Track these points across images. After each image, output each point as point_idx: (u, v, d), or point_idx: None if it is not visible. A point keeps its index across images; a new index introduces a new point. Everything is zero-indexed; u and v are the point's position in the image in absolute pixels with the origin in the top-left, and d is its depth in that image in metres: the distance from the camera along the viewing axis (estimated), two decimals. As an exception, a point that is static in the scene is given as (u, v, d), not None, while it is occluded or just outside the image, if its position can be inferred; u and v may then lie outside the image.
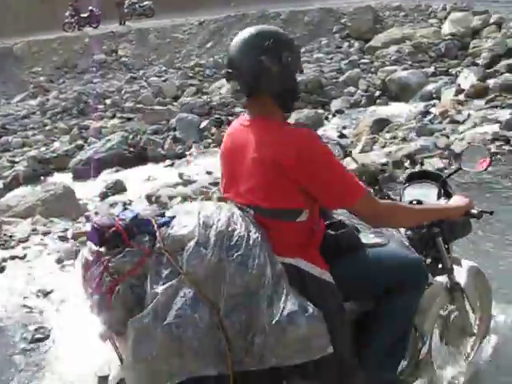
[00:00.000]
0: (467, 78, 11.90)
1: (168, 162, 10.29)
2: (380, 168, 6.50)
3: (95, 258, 1.99)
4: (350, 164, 3.84)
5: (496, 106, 9.34)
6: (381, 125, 9.24)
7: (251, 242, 1.94)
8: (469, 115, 8.63)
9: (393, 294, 2.29)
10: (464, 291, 2.71)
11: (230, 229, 1.94)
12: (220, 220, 1.97)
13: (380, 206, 2.19)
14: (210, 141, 11.22)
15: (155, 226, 2.01)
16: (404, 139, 7.96)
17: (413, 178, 2.88)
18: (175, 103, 13.89)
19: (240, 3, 24.63)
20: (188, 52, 20.37)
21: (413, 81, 12.86)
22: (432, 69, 13.70)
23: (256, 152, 2.08)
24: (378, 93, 13.00)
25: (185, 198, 7.15)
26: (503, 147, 6.82)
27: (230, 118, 12.40)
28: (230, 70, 2.16)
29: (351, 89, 13.44)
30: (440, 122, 8.80)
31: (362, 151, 7.70)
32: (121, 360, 2.07)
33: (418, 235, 2.64)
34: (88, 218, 2.17)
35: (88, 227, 2.09)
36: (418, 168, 6.40)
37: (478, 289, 2.90)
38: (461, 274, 2.74)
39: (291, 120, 10.40)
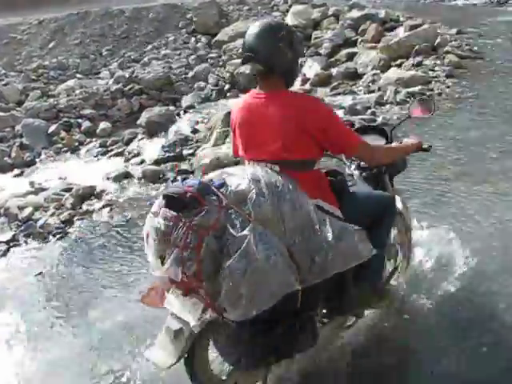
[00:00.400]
0: (311, 68, 12.39)
1: (16, 171, 9.67)
2: (234, 161, 6.55)
3: (174, 222, 2.43)
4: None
5: (339, 93, 9.82)
6: (232, 117, 9.31)
7: (291, 188, 2.57)
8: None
9: (376, 225, 3.05)
10: (402, 214, 3.62)
11: (273, 180, 2.55)
12: (263, 175, 2.55)
13: (373, 149, 2.91)
14: (60, 145, 10.72)
15: (214, 188, 2.47)
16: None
17: (362, 132, 3.50)
18: (19, 108, 13.04)
19: (81, 0, 23.77)
20: (29, 53, 19.23)
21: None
22: (284, 61, 14.08)
23: (282, 115, 2.67)
24: (227, 86, 13.16)
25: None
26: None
27: (79, 120, 11.94)
28: (250, 54, 2.71)
29: (201, 83, 13.46)
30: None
31: (214, 145, 7.72)
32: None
33: (371, 174, 3.38)
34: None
35: (160, 199, 2.56)
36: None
37: (405, 212, 3.72)
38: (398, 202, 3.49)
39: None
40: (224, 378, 2.88)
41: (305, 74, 12.22)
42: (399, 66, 10.55)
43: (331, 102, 8.63)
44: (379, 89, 9.21)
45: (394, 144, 3.32)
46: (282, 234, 2.49)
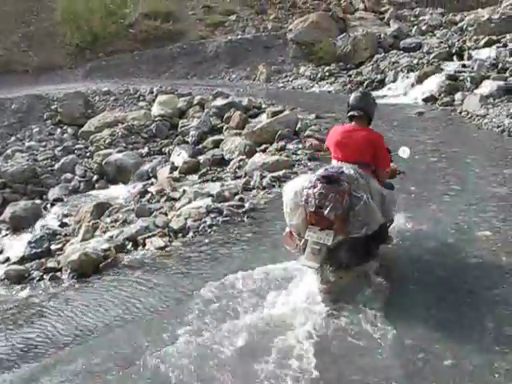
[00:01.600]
0: (180, 156, 12.54)
1: None
2: (103, 254, 6.39)
3: (328, 189, 4.68)
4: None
5: (208, 180, 9.98)
6: (101, 209, 9.11)
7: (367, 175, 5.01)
8: (184, 191, 9.02)
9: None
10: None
11: (359, 171, 4.92)
12: (355, 168, 4.95)
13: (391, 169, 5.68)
14: None
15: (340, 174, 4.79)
16: (125, 221, 7.97)
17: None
18: None
19: None
20: None
21: (129, 162, 13.13)
22: (146, 149, 14.15)
23: (363, 137, 5.11)
24: (95, 177, 12.98)
25: None
26: (218, 219, 7.24)
27: None
28: (355, 113, 5.29)
29: (68, 175, 13.17)
30: (158, 201, 9.04)
31: (83, 239, 7.48)
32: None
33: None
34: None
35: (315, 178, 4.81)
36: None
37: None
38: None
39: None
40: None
41: (173, 163, 12.35)
42: (264, 151, 10.97)
43: (199, 190, 8.73)
44: (246, 174, 9.48)
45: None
46: (370, 194, 4.88)
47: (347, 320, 4.64)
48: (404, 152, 5.68)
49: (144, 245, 6.68)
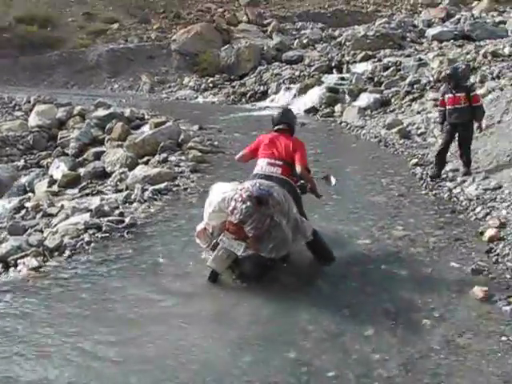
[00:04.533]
0: (59, 168, 12.02)
1: None
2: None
3: (256, 209, 5.10)
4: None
5: (88, 194, 9.62)
6: (-29, 227, 8.51)
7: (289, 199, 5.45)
8: (62, 206, 8.63)
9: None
10: None
11: (285, 195, 5.41)
12: (280, 190, 5.40)
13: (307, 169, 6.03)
14: None
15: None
16: (-4, 241, 7.47)
17: None
18: None
19: None
20: None
21: (3, 176, 12.39)
22: (22, 162, 13.43)
23: (289, 141, 5.91)
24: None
25: None
26: (96, 235, 6.95)
27: None
28: (281, 126, 6.12)
29: None
30: (33, 217, 8.57)
31: None
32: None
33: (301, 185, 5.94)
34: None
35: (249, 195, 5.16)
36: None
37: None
38: None
39: None
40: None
41: (52, 176, 11.81)
42: (146, 163, 10.76)
43: (78, 205, 8.38)
44: (127, 187, 9.23)
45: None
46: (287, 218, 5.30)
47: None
48: (333, 179, 6.35)
49: (16, 266, 6.26)
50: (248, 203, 5.12)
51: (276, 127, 6.14)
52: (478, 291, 5.30)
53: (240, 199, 5.17)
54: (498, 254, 6.17)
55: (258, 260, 5.37)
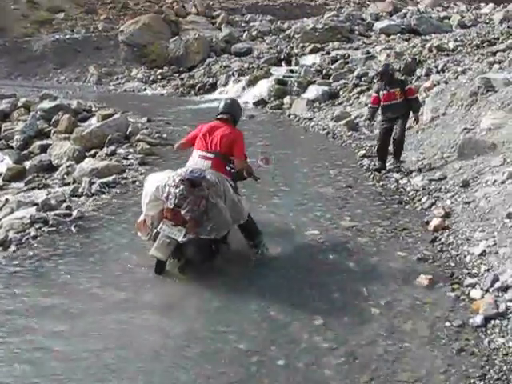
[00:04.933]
0: (3, 162, 11.73)
1: None
2: None
3: (189, 191, 5.24)
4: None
5: (34, 188, 9.40)
6: None
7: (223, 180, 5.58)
8: (6, 200, 8.41)
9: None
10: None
11: (219, 176, 5.54)
12: (214, 173, 5.51)
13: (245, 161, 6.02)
14: None
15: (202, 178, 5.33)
16: None
17: None
18: None
19: None
20: None
21: None
22: (-36, 155, 13.03)
23: (225, 132, 5.81)
24: None
25: None
26: (43, 229, 6.81)
27: None
28: (223, 116, 6.06)
29: None
30: (-26, 212, 8.32)
31: None
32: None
33: (236, 173, 5.96)
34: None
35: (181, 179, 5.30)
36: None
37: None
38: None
39: None
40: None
41: (-5, 169, 11.49)
42: (94, 156, 10.60)
43: (23, 199, 8.19)
44: (74, 181, 9.06)
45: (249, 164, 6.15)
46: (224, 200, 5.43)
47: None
48: (262, 160, 6.38)
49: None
50: (181, 186, 5.25)
51: (218, 116, 6.10)
52: (423, 279, 5.45)
53: (173, 184, 5.30)
54: (442, 243, 6.35)
55: (200, 243, 5.41)
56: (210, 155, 5.69)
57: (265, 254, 5.99)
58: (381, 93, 9.26)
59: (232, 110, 6.15)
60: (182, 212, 5.23)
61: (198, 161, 5.72)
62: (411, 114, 9.41)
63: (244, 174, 6.07)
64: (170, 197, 5.28)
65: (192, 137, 6.05)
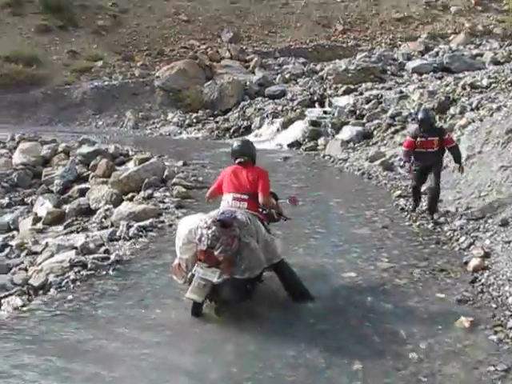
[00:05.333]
0: (43, 206, 11.97)
1: None
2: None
3: (221, 232, 5.30)
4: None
5: (73, 231, 9.57)
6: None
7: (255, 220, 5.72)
8: (47, 244, 8.58)
9: None
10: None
11: (250, 217, 5.64)
12: (243, 213, 5.63)
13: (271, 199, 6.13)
14: None
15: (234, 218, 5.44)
16: (-21, 280, 7.39)
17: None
18: None
19: None
20: None
21: (-14, 214, 12.30)
22: (7, 199, 13.34)
23: (251, 172, 5.99)
24: None
25: None
26: (81, 273, 6.92)
27: None
28: (241, 159, 6.14)
29: None
30: (18, 256, 8.51)
31: None
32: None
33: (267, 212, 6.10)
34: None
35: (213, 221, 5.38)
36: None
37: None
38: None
39: None
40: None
41: (37, 213, 11.75)
42: (131, 199, 10.76)
43: (63, 242, 8.35)
44: (112, 224, 9.21)
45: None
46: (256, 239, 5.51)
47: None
48: (291, 200, 6.49)
49: (0, 305, 6.22)
50: (213, 227, 5.32)
51: (237, 160, 6.19)
52: (464, 321, 5.34)
53: (205, 226, 5.38)
54: (482, 284, 6.23)
55: (235, 284, 5.44)
56: (243, 196, 5.83)
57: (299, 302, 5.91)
58: (418, 139, 8.82)
59: (248, 151, 6.23)
60: (215, 253, 5.30)
61: (232, 203, 5.82)
62: (444, 161, 9.10)
63: (274, 215, 6.14)
64: (203, 238, 5.35)
65: (218, 185, 6.18)
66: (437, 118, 14.83)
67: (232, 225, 5.35)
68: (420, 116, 9.04)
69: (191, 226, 5.57)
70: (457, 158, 8.95)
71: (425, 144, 8.78)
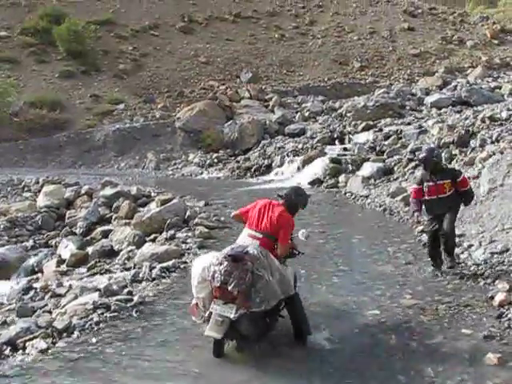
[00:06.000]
0: (67, 248, 12.09)
1: None
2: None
3: (233, 267, 5.36)
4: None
5: (96, 273, 9.65)
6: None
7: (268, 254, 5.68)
8: (70, 286, 8.65)
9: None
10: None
11: (262, 251, 5.64)
12: (257, 248, 5.67)
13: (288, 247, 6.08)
14: None
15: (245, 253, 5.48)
16: (4, 323, 7.44)
17: None
18: None
19: None
20: None
21: (11, 256, 12.43)
22: (31, 242, 13.51)
23: (277, 215, 5.88)
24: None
25: None
26: (105, 315, 6.94)
27: None
28: (279, 199, 6.22)
29: None
30: (42, 298, 8.58)
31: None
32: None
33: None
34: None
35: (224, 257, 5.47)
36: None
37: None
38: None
39: None
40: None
41: (60, 255, 11.87)
42: (153, 240, 10.83)
43: (86, 285, 8.40)
44: (135, 265, 9.26)
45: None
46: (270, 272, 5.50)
47: None
48: (303, 234, 6.33)
49: (24, 348, 6.23)
50: (225, 263, 5.40)
51: (278, 195, 6.33)
52: (492, 358, 5.25)
53: (217, 263, 5.46)
54: (509, 319, 6.13)
55: (253, 318, 5.46)
56: (258, 235, 5.86)
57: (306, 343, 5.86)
58: (425, 184, 7.79)
59: (289, 196, 6.19)
60: (229, 288, 5.32)
61: (246, 239, 5.88)
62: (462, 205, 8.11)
63: (290, 253, 6.16)
64: (216, 275, 5.40)
65: (246, 211, 6.19)
66: (457, 151, 14.84)
67: (243, 259, 5.39)
68: (421, 155, 7.97)
69: (204, 264, 5.64)
70: (467, 201, 8.04)
71: (435, 190, 7.71)
